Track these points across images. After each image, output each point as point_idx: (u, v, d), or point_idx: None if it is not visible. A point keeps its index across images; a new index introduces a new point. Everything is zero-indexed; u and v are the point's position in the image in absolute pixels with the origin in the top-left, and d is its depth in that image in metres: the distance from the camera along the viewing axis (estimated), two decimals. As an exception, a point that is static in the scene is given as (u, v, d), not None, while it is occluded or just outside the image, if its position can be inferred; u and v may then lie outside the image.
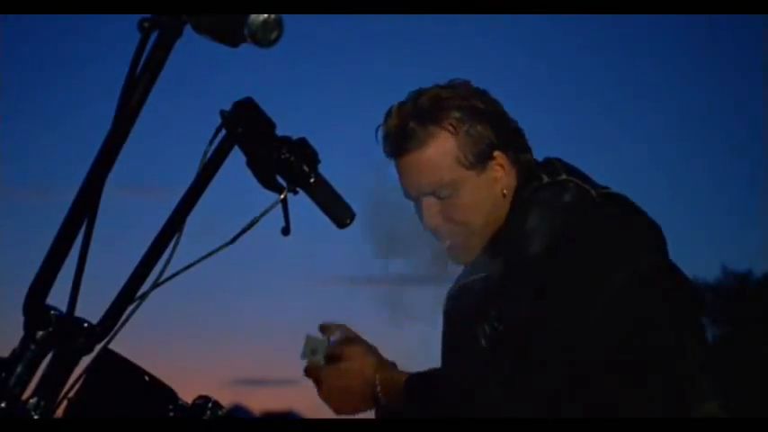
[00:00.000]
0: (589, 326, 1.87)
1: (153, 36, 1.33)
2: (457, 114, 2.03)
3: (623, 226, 1.97)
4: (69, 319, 1.41)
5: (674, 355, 1.93)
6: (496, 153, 2.05)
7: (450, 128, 2.02)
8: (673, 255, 2.01)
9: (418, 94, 2.08)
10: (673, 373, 1.92)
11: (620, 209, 2.00)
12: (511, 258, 2.00)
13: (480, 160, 2.04)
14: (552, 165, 2.09)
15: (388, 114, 2.08)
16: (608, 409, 1.88)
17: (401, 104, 2.08)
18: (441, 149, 2.03)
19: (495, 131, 2.05)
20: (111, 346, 1.53)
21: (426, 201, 2.06)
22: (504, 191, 2.07)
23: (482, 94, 2.08)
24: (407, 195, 2.10)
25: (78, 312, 1.42)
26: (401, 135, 2.05)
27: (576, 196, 2.00)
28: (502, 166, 2.06)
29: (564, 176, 2.04)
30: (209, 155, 1.53)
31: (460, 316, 2.09)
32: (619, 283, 1.89)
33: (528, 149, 2.12)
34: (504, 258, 2.02)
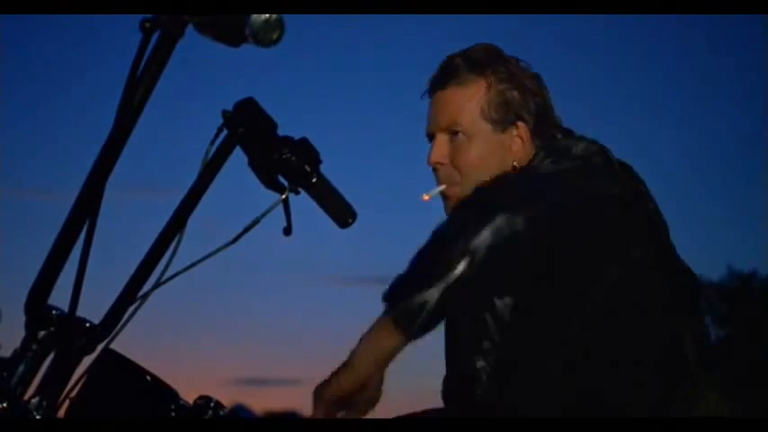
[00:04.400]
0: (585, 317, 1.88)
1: (155, 36, 1.33)
2: (501, 75, 2.09)
3: (619, 219, 1.95)
4: (71, 319, 1.41)
5: (670, 343, 1.92)
6: (521, 124, 2.08)
7: (487, 81, 2.08)
8: (678, 254, 2.02)
9: (478, 44, 2.15)
10: (669, 361, 1.92)
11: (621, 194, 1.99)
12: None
13: (502, 120, 2.07)
14: (568, 130, 2.11)
15: (447, 57, 2.15)
16: (604, 397, 1.88)
17: (459, 51, 2.14)
18: (471, 94, 2.08)
19: (528, 107, 2.09)
20: (112, 346, 1.53)
21: (440, 137, 2.10)
22: (516, 163, 2.08)
23: (533, 75, 2.13)
24: (428, 134, 2.14)
25: (80, 312, 1.42)
26: (445, 71, 2.12)
27: (586, 149, 1.99)
28: (522, 138, 2.08)
29: (579, 135, 2.07)
30: (210, 155, 1.53)
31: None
32: (613, 277, 1.89)
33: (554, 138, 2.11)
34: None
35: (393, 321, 1.70)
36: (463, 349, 2.04)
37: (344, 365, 1.74)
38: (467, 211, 1.78)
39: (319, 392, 1.74)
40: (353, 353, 1.74)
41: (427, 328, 1.71)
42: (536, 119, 2.09)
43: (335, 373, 1.74)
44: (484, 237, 1.67)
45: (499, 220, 1.68)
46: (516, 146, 2.07)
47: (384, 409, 2.30)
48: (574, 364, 1.90)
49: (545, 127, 2.10)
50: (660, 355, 1.91)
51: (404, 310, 1.69)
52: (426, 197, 2.09)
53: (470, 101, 2.08)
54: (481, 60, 2.10)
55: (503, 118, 2.07)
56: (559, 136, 2.09)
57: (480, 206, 1.75)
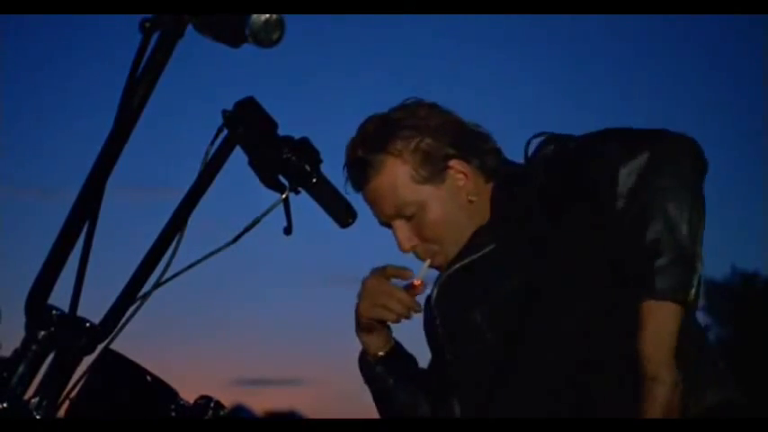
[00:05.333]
0: (576, 314, 1.88)
1: (154, 36, 1.33)
2: (403, 134, 2.05)
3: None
4: (71, 319, 1.42)
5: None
6: (452, 162, 2.06)
7: (396, 150, 2.05)
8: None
9: (365, 122, 2.12)
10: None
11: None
12: (507, 236, 2.00)
13: (435, 173, 2.05)
14: (485, 133, 2.11)
15: (346, 149, 2.12)
16: (603, 397, 1.88)
17: (352, 138, 2.12)
18: (393, 172, 2.05)
19: (448, 141, 2.06)
20: (112, 346, 1.53)
21: (396, 224, 2.09)
22: (471, 197, 2.07)
23: (430, 108, 2.10)
24: (381, 224, 2.13)
25: (80, 312, 1.42)
26: (355, 167, 2.09)
27: (552, 148, 1.99)
28: (463, 172, 2.07)
29: (533, 138, 2.04)
30: (210, 155, 1.53)
31: (455, 301, 2.07)
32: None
33: (494, 151, 2.11)
34: (501, 237, 2.01)
35: (680, 302, 1.78)
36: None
37: (654, 385, 1.76)
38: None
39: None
40: (655, 365, 1.76)
41: None
42: (459, 145, 2.07)
43: (654, 404, 1.76)
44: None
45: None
46: (461, 182, 2.07)
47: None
48: (570, 363, 1.90)
49: (470, 143, 2.08)
50: None
51: (689, 291, 1.78)
52: (418, 282, 2.09)
53: (397, 179, 2.05)
54: (379, 137, 2.07)
55: (434, 170, 2.05)
56: (489, 145, 2.09)
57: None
